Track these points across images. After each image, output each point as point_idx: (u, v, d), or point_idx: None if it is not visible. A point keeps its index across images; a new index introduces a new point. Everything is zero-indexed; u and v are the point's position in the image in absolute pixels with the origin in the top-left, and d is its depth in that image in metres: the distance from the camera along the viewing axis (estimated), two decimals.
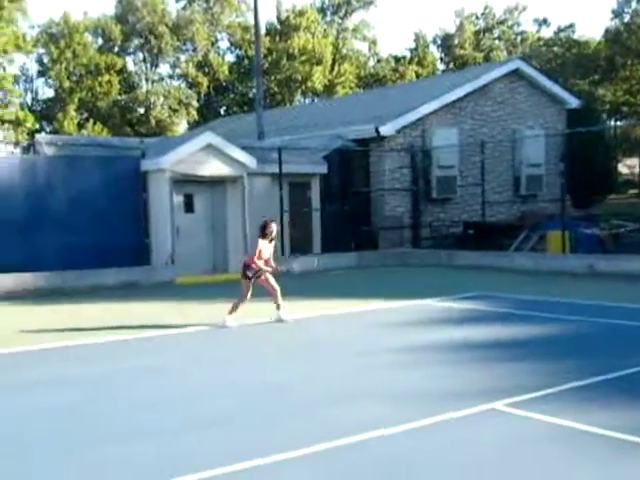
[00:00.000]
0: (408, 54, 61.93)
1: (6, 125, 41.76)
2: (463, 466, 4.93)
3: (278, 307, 11.21)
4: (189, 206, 18.10)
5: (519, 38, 63.08)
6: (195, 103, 54.17)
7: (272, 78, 52.66)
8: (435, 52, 63.69)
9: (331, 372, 7.85)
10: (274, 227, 11.32)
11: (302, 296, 14.11)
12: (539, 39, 59.75)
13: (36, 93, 51.88)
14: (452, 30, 63.13)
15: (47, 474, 5.00)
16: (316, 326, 11.11)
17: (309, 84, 54.03)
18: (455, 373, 7.58)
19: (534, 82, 25.13)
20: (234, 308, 11.01)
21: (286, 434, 5.70)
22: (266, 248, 11.13)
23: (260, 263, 10.96)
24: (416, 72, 58.10)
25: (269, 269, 11.12)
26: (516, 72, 24.69)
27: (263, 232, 11.22)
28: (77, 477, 4.94)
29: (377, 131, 21.32)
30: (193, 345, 9.83)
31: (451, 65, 61.49)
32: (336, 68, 55.91)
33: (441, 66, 63.30)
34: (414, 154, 22.05)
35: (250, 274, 11.00)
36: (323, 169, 20.21)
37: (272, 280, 11.18)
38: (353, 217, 21.07)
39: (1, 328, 11.23)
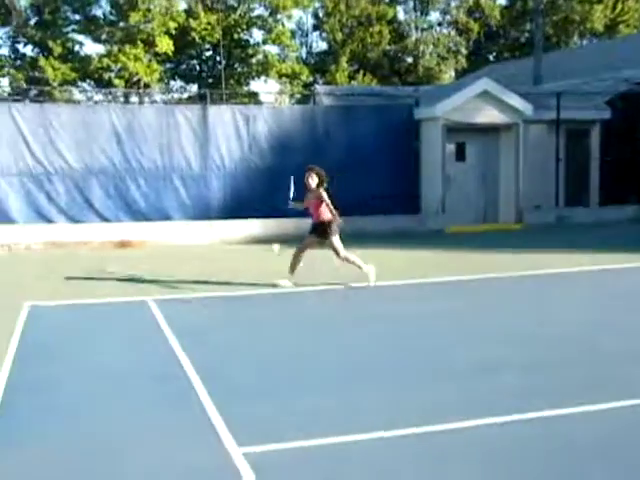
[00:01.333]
0: None
1: (283, 78, 44.03)
2: None
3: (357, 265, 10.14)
4: (460, 155, 17.93)
5: None
6: (464, 50, 53.19)
7: (547, 20, 50.01)
8: None
9: (626, 327, 7.42)
10: (307, 175, 10.11)
11: (577, 248, 13.46)
12: None
13: (310, 47, 54.00)
14: None
15: (424, 397, 5.26)
16: (601, 280, 10.53)
17: (588, 25, 50.63)
18: None
19: None
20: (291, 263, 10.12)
21: (580, 386, 5.49)
22: (306, 198, 10.14)
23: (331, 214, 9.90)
24: None
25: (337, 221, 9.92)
26: None
27: (321, 180, 10.10)
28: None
29: None
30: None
31: None
32: (619, 6, 51.72)
33: None
34: None
35: (333, 230, 9.93)
36: (605, 115, 18.92)
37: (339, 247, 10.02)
38: (636, 167, 19.54)
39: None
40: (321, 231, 10.00)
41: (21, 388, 5.79)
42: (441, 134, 17.15)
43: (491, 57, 54.70)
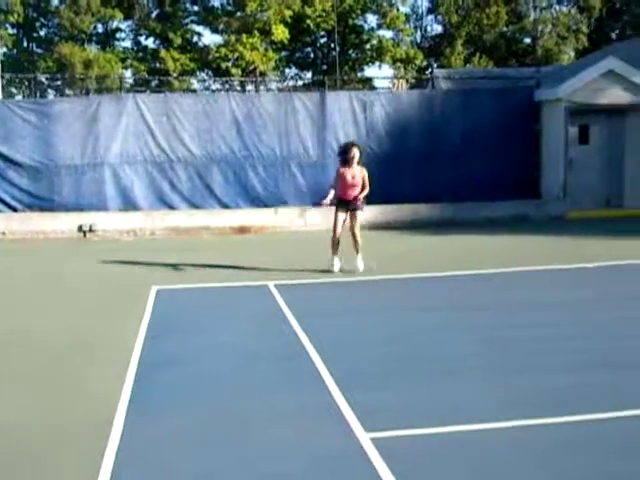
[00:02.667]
0: None
1: (397, 63, 43.71)
2: None
3: (332, 253, 10.16)
4: (583, 137, 17.29)
5: None
6: (585, 29, 51.15)
7: None
8: None
9: None
10: (355, 151, 9.95)
11: None
12: None
13: (425, 30, 53.28)
14: None
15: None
16: None
17: None
18: None
19: None
20: (332, 246, 10.18)
21: None
22: (348, 175, 9.96)
23: (335, 191, 9.87)
24: None
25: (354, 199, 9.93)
26: None
27: (344, 157, 9.98)
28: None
29: None
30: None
31: None
32: None
33: None
34: None
35: (339, 207, 10.09)
36: None
37: (337, 220, 10.10)
38: None
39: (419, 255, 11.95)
40: (355, 206, 10.17)
41: (153, 364, 6.07)
42: (563, 116, 16.58)
43: (614, 35, 52.40)
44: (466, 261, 10.87)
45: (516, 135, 16.95)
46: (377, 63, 43.51)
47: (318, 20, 39.59)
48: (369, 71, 46.68)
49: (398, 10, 43.54)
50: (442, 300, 8.54)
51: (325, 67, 42.27)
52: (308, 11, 39.15)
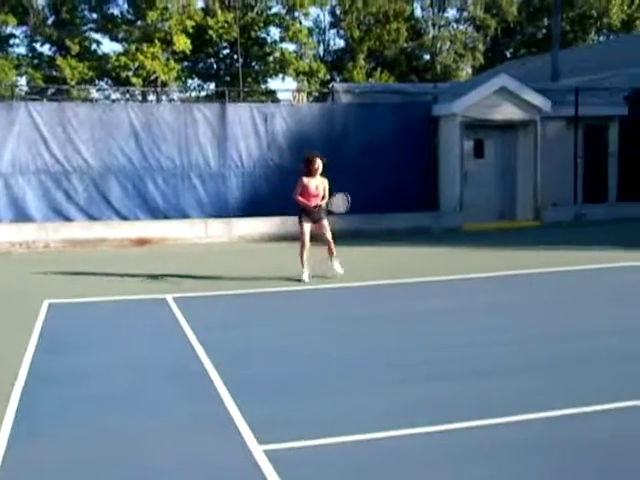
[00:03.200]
0: None
1: (300, 76, 44.03)
2: None
3: (301, 264, 10.42)
4: (479, 151, 17.86)
5: None
6: (481, 47, 52.95)
7: (564, 16, 49.69)
8: None
9: (618, 326, 7.38)
10: (319, 163, 10.44)
11: (596, 245, 13.42)
12: None
13: (328, 44, 53.92)
14: None
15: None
16: (616, 278, 10.47)
17: (605, 20, 50.27)
18: None
19: None
20: (301, 256, 10.41)
21: (583, 386, 5.47)
22: (312, 185, 10.39)
23: (303, 200, 10.30)
24: None
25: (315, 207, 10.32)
26: None
27: (308, 168, 10.43)
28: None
29: None
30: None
31: None
32: (636, 1, 51.28)
33: None
34: None
35: (304, 218, 10.39)
36: (623, 111, 18.78)
37: (304, 229, 10.38)
38: None
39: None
40: (320, 213, 10.46)
41: (40, 379, 5.87)
42: (459, 131, 17.09)
43: (508, 53, 54.44)
44: (365, 272, 11.03)
45: (415, 149, 17.34)
46: (280, 75, 43.70)
47: (220, 31, 39.47)
48: (273, 83, 46.92)
49: (301, 24, 43.90)
50: (337, 311, 8.61)
51: (228, 78, 42.13)
52: (210, 22, 39.00)
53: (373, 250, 13.90)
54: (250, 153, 16.64)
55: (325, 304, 9.17)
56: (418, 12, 54.53)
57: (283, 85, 48.02)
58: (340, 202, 10.83)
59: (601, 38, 53.28)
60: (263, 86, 43.39)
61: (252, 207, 16.43)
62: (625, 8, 50.78)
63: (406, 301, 9.13)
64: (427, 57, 53.19)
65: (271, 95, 38.56)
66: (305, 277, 10.34)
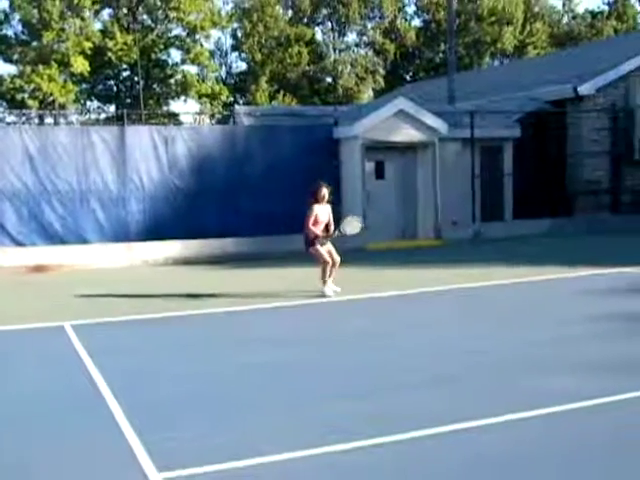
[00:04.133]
0: (606, 9, 58.13)
1: (203, 99, 43.87)
2: None
3: (324, 282, 10.77)
4: (380, 172, 18.19)
5: None
6: (381, 70, 54.12)
7: (460, 41, 51.41)
8: (637, 5, 59.28)
9: (526, 339, 7.62)
10: (325, 191, 10.92)
11: (493, 262, 13.85)
12: None
13: (230, 67, 53.96)
14: None
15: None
16: (512, 293, 10.82)
17: (498, 46, 52.30)
18: None
19: None
20: (323, 275, 10.79)
21: (486, 399, 5.61)
22: (321, 213, 10.87)
23: (315, 229, 10.73)
24: (614, 28, 54.46)
25: (327, 236, 10.82)
26: None
27: (315, 197, 10.88)
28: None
29: (575, 91, 20.25)
30: (397, 308, 9.93)
31: None
32: (527, 27, 53.63)
33: None
34: (615, 114, 20.76)
35: (314, 243, 10.76)
36: (516, 133, 19.53)
37: (323, 251, 10.77)
38: (547, 182, 20.24)
39: (225, 289, 11.90)
40: (327, 239, 10.94)
41: None
42: (360, 153, 17.37)
43: (408, 77, 55.84)
44: (258, 295, 11.04)
45: (317, 171, 17.38)
46: (183, 98, 43.44)
47: (120, 53, 38.92)
48: (175, 105, 46.54)
49: (202, 46, 43.81)
50: (237, 334, 8.57)
51: (129, 100, 41.56)
52: (109, 44, 38.41)
53: (270, 272, 13.88)
54: (151, 176, 16.41)
55: (232, 326, 9.09)
56: (319, 36, 55.37)
57: (185, 107, 47.55)
58: (353, 223, 11.17)
59: (495, 62, 55.39)
60: (165, 108, 43.01)
61: (155, 231, 16.20)
62: (517, 34, 53.00)
63: (315, 322, 9.16)
64: (329, 80, 53.93)
65: (173, 117, 38.27)
66: (330, 292, 10.67)
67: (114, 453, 4.77)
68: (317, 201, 10.88)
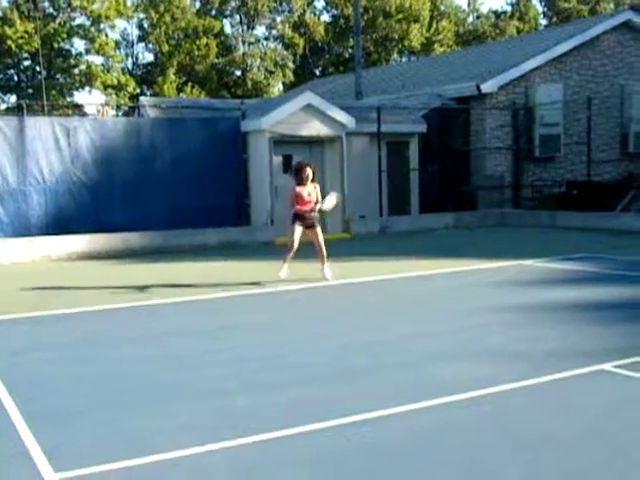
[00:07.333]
0: (509, 9, 59.99)
1: (108, 90, 42.90)
2: (565, 427, 4.82)
3: (322, 264, 11.23)
4: (287, 166, 18.19)
5: None
6: (291, 64, 54.19)
7: (368, 37, 52.05)
8: (538, 6, 61.40)
9: (436, 329, 7.80)
10: (309, 170, 11.16)
11: (400, 255, 14.10)
12: None
13: (136, 58, 52.96)
14: None
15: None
16: (417, 285, 11.04)
17: (406, 43, 53.17)
18: (563, 333, 7.40)
19: None
20: (285, 257, 11.12)
21: (388, 390, 5.70)
22: (306, 192, 11.10)
23: (300, 208, 10.98)
24: (517, 28, 56.23)
25: (311, 210, 11.06)
26: (626, 24, 23.46)
27: (299, 177, 11.15)
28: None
29: (478, 88, 20.81)
30: (295, 302, 9.96)
31: (554, 19, 59.16)
32: (434, 25, 54.74)
33: (543, 21, 61.01)
34: (516, 112, 21.45)
35: (297, 221, 11.05)
36: (422, 128, 19.93)
37: (295, 235, 11.06)
38: (452, 177, 20.76)
39: (122, 283, 11.65)
40: (314, 220, 11.19)
41: None
42: (268, 147, 17.35)
43: (317, 71, 56.10)
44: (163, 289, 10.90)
45: (225, 164, 17.39)
46: (87, 88, 42.36)
47: (20, 42, 37.60)
48: (80, 96, 45.31)
49: (107, 36, 42.79)
50: (141, 331, 8.43)
51: (31, 91, 40.21)
52: (9, 31, 37.05)
53: (173, 266, 13.72)
54: (52, 169, 15.93)
55: (135, 321, 8.93)
56: (228, 29, 54.97)
57: (91, 99, 46.33)
58: (333, 199, 11.49)
59: (403, 59, 56.29)
60: (69, 99, 41.81)
61: (58, 224, 15.76)
62: (424, 32, 53.99)
63: (208, 316, 9.10)
64: (238, 73, 53.63)
65: (78, 109, 37.23)
66: (282, 273, 10.89)
67: (10, 455, 4.62)
68: (302, 180, 11.07)
